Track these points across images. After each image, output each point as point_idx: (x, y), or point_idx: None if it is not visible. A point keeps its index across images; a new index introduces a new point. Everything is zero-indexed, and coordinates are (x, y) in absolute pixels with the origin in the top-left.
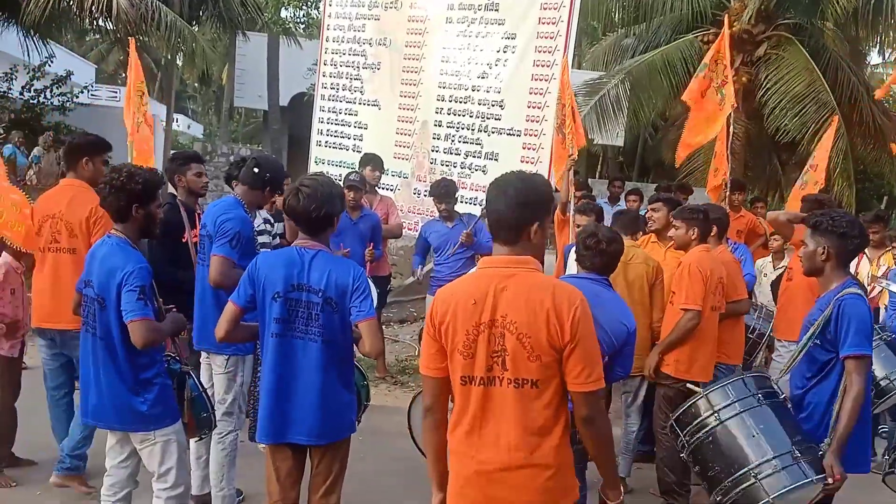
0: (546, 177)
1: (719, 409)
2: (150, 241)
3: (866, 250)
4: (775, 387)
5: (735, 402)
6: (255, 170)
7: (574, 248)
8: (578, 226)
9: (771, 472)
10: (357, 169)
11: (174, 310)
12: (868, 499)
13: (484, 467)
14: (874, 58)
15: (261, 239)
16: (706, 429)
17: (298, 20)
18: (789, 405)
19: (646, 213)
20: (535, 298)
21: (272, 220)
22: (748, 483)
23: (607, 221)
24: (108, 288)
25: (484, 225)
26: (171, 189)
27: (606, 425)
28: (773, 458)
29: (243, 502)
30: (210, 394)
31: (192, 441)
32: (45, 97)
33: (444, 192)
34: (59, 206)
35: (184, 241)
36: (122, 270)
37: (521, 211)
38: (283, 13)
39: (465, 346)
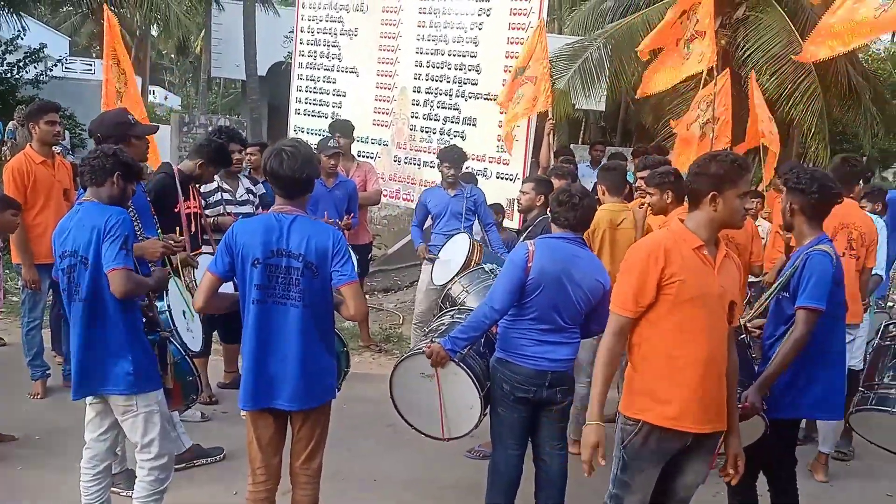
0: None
1: None
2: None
3: None
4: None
5: None
6: None
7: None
8: None
9: None
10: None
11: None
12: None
13: None
14: None
15: (244, 209)
16: None
17: None
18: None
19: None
20: None
21: (254, 190)
22: None
23: (588, 186)
24: (92, 243)
25: (483, 199)
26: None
27: None
28: None
29: (223, 460)
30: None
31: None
32: (18, 71)
33: (457, 157)
34: None
35: (176, 210)
36: (104, 222)
37: None
38: None
39: None
